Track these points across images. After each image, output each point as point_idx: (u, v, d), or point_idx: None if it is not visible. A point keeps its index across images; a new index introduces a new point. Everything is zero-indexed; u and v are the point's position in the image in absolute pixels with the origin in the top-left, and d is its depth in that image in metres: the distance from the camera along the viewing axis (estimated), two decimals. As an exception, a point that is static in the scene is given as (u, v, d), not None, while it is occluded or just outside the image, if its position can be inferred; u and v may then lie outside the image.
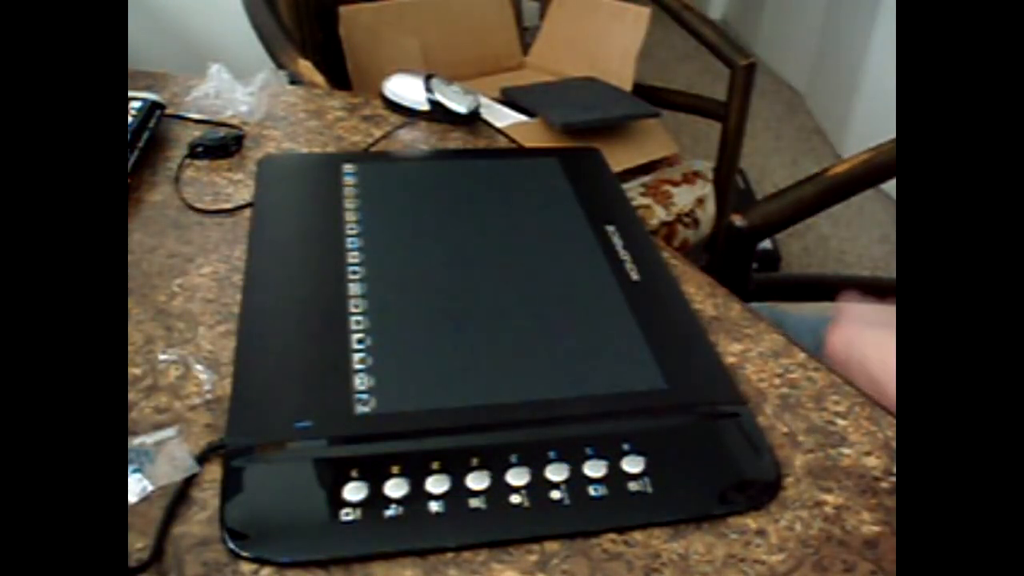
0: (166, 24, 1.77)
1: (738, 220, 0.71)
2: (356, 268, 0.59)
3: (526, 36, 1.68)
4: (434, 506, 0.42)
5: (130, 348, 0.52)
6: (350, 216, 0.64)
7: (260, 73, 0.83)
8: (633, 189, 1.30)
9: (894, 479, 0.46)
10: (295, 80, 1.06)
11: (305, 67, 1.07)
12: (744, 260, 0.86)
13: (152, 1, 1.73)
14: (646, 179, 1.33)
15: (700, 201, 1.30)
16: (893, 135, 0.76)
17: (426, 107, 0.81)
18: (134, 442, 0.45)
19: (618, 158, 1.17)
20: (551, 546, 0.42)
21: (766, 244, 1.82)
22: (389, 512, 0.42)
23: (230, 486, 0.43)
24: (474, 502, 0.43)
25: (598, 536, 0.42)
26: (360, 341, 0.52)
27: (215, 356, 0.52)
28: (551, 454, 0.45)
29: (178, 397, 0.49)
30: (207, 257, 0.61)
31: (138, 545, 0.41)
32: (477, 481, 0.44)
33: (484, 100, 0.86)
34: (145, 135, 0.72)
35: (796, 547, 0.43)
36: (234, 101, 0.80)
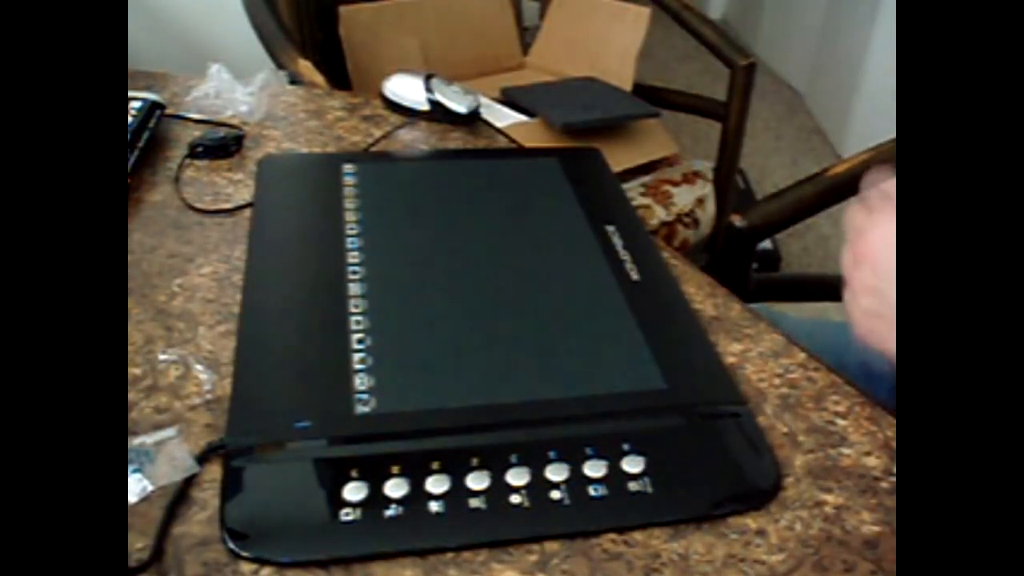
0: (166, 24, 1.77)
1: (738, 221, 0.72)
2: (356, 268, 0.59)
3: (526, 36, 1.68)
4: (434, 506, 0.42)
5: (130, 348, 0.52)
6: (350, 216, 0.64)
7: (260, 73, 0.83)
8: (633, 189, 1.30)
9: (894, 479, 0.46)
10: (295, 80, 1.06)
11: (305, 67, 1.07)
12: (744, 260, 0.86)
13: (152, 1, 1.73)
14: (646, 179, 1.33)
15: (700, 201, 1.30)
16: (893, 135, 0.76)
17: (426, 107, 0.81)
18: (134, 442, 0.45)
19: (618, 158, 1.17)
20: (551, 546, 0.42)
21: (766, 244, 1.82)
22: (389, 512, 0.42)
23: (230, 486, 0.43)
24: (474, 502, 0.43)
25: (598, 536, 0.42)
26: (360, 341, 0.52)
27: (215, 356, 0.52)
28: (551, 454, 0.45)
29: (178, 397, 0.49)
30: (207, 257, 0.61)
31: (138, 545, 0.41)
32: (477, 481, 0.44)
33: (484, 100, 0.86)
34: (145, 135, 0.72)
35: (796, 547, 0.43)
36: (234, 101, 0.80)
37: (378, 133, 0.79)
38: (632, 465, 0.45)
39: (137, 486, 0.43)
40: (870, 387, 0.53)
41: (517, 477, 0.44)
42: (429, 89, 0.81)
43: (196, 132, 0.76)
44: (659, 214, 1.25)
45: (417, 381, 0.50)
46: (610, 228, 0.65)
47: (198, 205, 0.67)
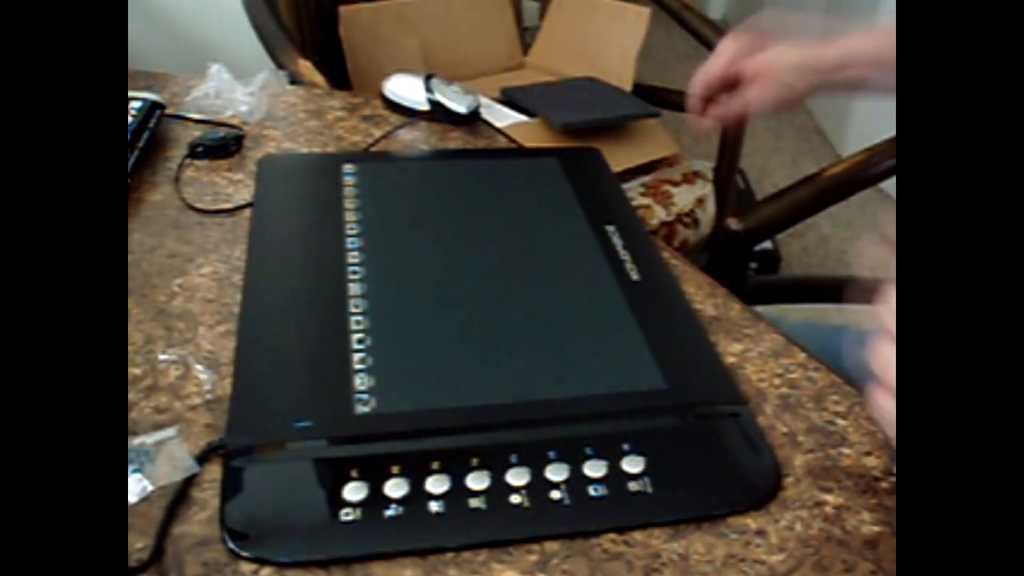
0: (166, 24, 1.77)
1: (734, 224, 0.72)
2: (356, 268, 0.59)
3: (526, 36, 1.68)
4: (434, 506, 0.42)
5: (130, 348, 0.52)
6: (350, 216, 0.64)
7: (260, 73, 0.83)
8: (633, 189, 1.30)
9: (894, 479, 0.46)
10: (295, 80, 1.06)
11: (305, 67, 1.07)
12: (741, 263, 0.86)
13: (152, 1, 1.73)
14: (646, 179, 1.33)
15: (700, 201, 1.30)
16: (893, 135, 0.76)
17: (426, 107, 0.81)
18: (134, 442, 0.45)
19: (618, 158, 1.17)
20: (551, 546, 0.42)
21: (766, 244, 1.82)
22: (389, 512, 0.42)
23: (230, 486, 0.43)
24: (474, 502, 0.43)
25: (598, 536, 0.42)
26: (360, 341, 0.52)
27: (215, 356, 0.52)
28: (551, 454, 0.45)
29: (178, 397, 0.49)
30: (207, 257, 0.61)
31: (138, 545, 0.41)
32: (477, 481, 0.44)
33: (484, 100, 0.86)
34: (145, 135, 0.72)
35: (796, 547, 0.43)
36: (234, 101, 0.80)
37: (378, 133, 0.79)
38: (632, 465, 0.45)
39: (137, 486, 0.43)
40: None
41: (517, 477, 0.44)
42: (429, 89, 0.81)
43: (196, 132, 0.76)
44: (659, 214, 1.25)
45: (417, 381, 0.50)
46: (610, 228, 0.65)
47: (198, 205, 0.67)
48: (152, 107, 0.74)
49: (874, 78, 0.72)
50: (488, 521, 0.42)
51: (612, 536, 0.42)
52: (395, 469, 0.44)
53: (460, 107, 0.81)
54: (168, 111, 0.77)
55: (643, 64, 1.48)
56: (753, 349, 0.55)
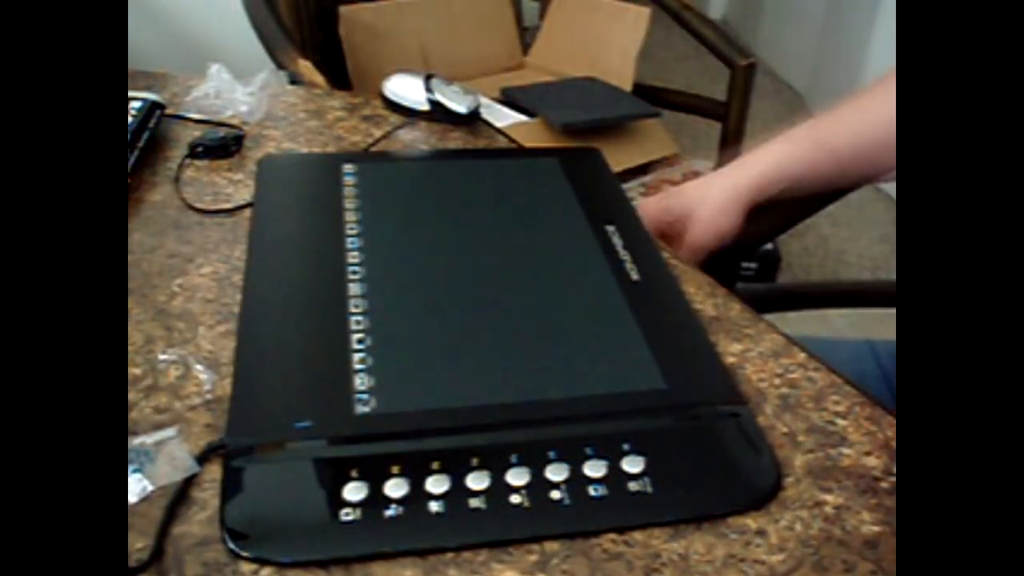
0: (166, 24, 1.77)
1: (740, 237, 0.72)
2: (356, 268, 0.59)
3: (526, 36, 1.68)
4: (434, 506, 0.42)
5: (130, 348, 0.52)
6: (350, 216, 0.64)
7: (260, 73, 0.83)
8: (633, 189, 1.30)
9: (894, 479, 0.46)
10: (295, 80, 1.06)
11: (305, 67, 1.07)
12: (731, 276, 0.86)
13: (152, 1, 1.73)
14: (646, 179, 1.33)
15: (700, 201, 1.30)
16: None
17: (426, 107, 0.81)
18: (134, 442, 0.45)
19: (618, 158, 1.17)
20: (551, 546, 0.42)
21: (766, 245, 1.82)
22: (389, 512, 0.42)
23: (230, 486, 0.43)
24: (474, 502, 0.43)
25: (598, 536, 0.42)
26: (360, 341, 0.52)
27: (215, 356, 0.52)
28: (551, 454, 0.45)
29: (178, 397, 0.49)
30: (207, 257, 0.61)
31: (138, 545, 0.41)
32: (477, 481, 0.44)
33: (484, 100, 0.86)
34: (145, 135, 0.72)
35: (796, 547, 0.43)
36: (234, 101, 0.80)
37: (378, 133, 0.79)
38: (632, 465, 0.45)
39: (137, 486, 0.43)
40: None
41: (517, 477, 0.44)
42: (429, 89, 0.81)
43: (196, 132, 0.76)
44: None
45: (417, 381, 0.50)
46: (610, 228, 0.65)
47: (198, 205, 0.67)
48: (152, 107, 0.74)
49: (807, 187, 0.73)
50: (488, 521, 0.42)
51: (612, 536, 0.42)
52: (395, 469, 0.44)
53: (460, 107, 0.81)
54: (168, 111, 0.77)
55: (643, 64, 1.49)
56: (753, 349, 0.55)
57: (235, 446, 0.45)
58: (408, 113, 0.82)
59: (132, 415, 0.48)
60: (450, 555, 0.41)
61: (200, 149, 0.73)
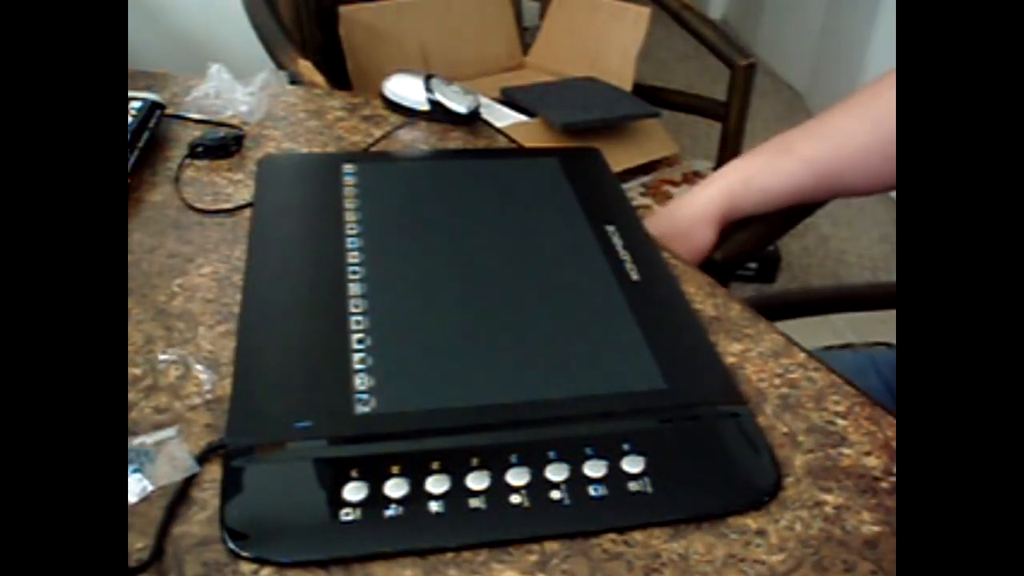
0: (166, 24, 1.77)
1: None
2: (356, 268, 0.59)
3: (526, 36, 1.68)
4: (434, 506, 0.43)
5: (130, 348, 0.52)
6: (350, 216, 0.64)
7: (260, 73, 0.83)
8: (633, 189, 1.30)
9: (894, 479, 0.46)
10: (295, 80, 1.06)
11: (305, 67, 1.07)
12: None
13: (152, 1, 1.73)
14: (646, 179, 1.33)
15: (700, 201, 1.30)
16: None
17: (426, 107, 0.81)
18: (134, 442, 0.45)
19: (618, 158, 1.17)
20: (551, 546, 0.42)
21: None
22: (389, 512, 0.42)
23: (230, 486, 0.43)
24: (474, 502, 0.43)
25: (598, 536, 0.42)
26: (360, 341, 0.52)
27: (215, 356, 0.52)
28: (551, 454, 0.45)
29: (178, 397, 0.49)
30: (207, 257, 0.61)
31: (138, 545, 0.41)
32: (477, 481, 0.44)
33: (484, 100, 0.86)
34: (145, 135, 0.72)
35: (796, 547, 0.43)
36: (234, 101, 0.80)
37: (378, 133, 0.79)
38: (632, 465, 0.45)
39: (137, 486, 0.43)
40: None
41: (517, 477, 0.44)
42: (429, 89, 0.81)
43: (196, 132, 0.76)
44: (657, 210, 1.25)
45: (417, 381, 0.50)
46: (610, 228, 0.65)
47: (198, 205, 0.67)
48: (152, 107, 0.74)
49: (781, 197, 0.73)
50: (488, 521, 0.42)
51: (612, 536, 0.42)
52: (395, 469, 0.44)
53: (460, 107, 0.81)
54: (168, 111, 0.77)
55: (643, 64, 1.49)
56: (753, 349, 0.55)
57: (235, 446, 0.45)
58: (408, 113, 0.82)
59: (132, 415, 0.48)
60: (450, 555, 0.41)
61: (200, 149, 0.73)
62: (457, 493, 0.43)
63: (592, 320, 0.56)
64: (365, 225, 0.63)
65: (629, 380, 0.51)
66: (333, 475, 0.44)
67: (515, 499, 0.43)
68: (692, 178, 1.36)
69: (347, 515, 0.42)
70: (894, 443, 0.49)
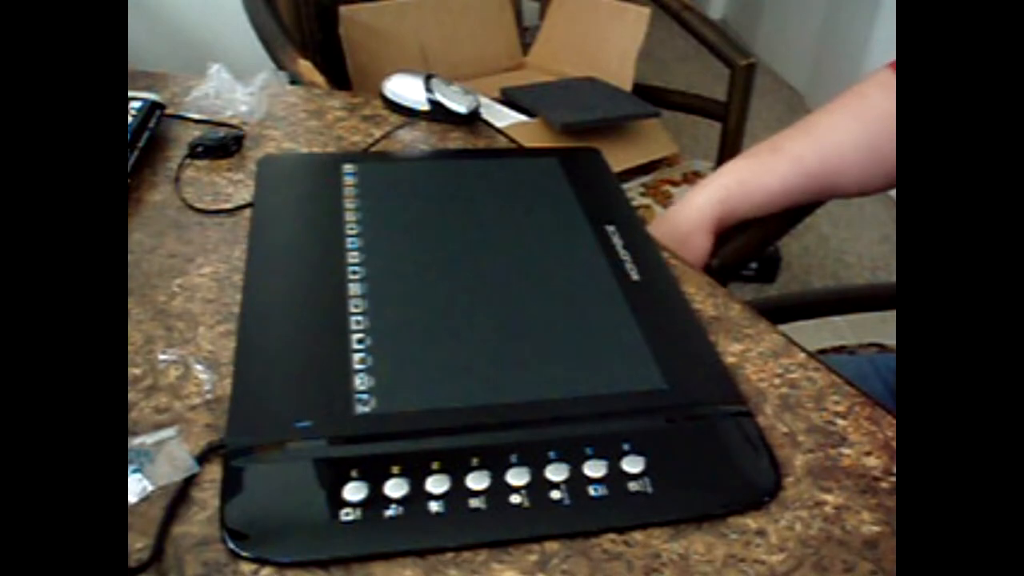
0: (166, 24, 1.77)
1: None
2: (356, 268, 0.59)
3: (526, 36, 1.68)
4: (434, 506, 0.43)
5: (130, 348, 0.52)
6: (350, 216, 0.64)
7: (260, 73, 0.83)
8: (633, 189, 1.30)
9: (894, 479, 0.46)
10: (295, 80, 1.06)
11: (305, 67, 1.07)
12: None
13: (152, 1, 1.73)
14: (646, 179, 1.34)
15: (700, 201, 1.30)
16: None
17: (426, 107, 0.81)
18: (134, 442, 0.45)
19: (618, 158, 1.17)
20: (551, 546, 0.42)
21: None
22: (389, 512, 0.42)
23: (230, 486, 0.43)
24: (474, 502, 0.43)
25: (598, 536, 0.42)
26: (360, 341, 0.52)
27: (215, 356, 0.52)
28: (551, 454, 0.45)
29: (178, 397, 0.49)
30: (207, 257, 0.61)
31: (138, 545, 0.41)
32: (477, 481, 0.44)
33: (484, 100, 0.86)
34: (145, 135, 0.72)
35: (796, 547, 0.43)
36: (234, 101, 0.80)
37: (378, 133, 0.79)
38: (632, 465, 0.45)
39: (137, 486, 0.43)
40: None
41: (517, 477, 0.44)
42: (429, 89, 0.81)
43: (196, 132, 0.76)
44: (659, 214, 1.25)
45: (417, 381, 0.50)
46: (610, 228, 0.65)
47: (198, 205, 0.67)
48: (152, 107, 0.74)
49: (776, 199, 0.74)
50: (488, 521, 0.42)
51: (612, 536, 0.42)
52: (395, 469, 0.44)
53: (460, 107, 0.81)
54: (168, 111, 0.77)
55: (643, 64, 1.49)
56: (753, 349, 0.55)
57: (235, 446, 0.45)
58: (408, 113, 0.82)
59: (132, 415, 0.48)
60: (450, 555, 0.41)
61: (200, 149, 0.73)
62: (457, 493, 0.43)
63: (592, 320, 0.56)
64: (365, 225, 0.63)
65: (629, 380, 0.51)
66: (333, 475, 0.44)
67: (515, 499, 0.43)
68: (692, 178, 1.36)
69: (347, 515, 0.42)
70: (894, 443, 0.49)
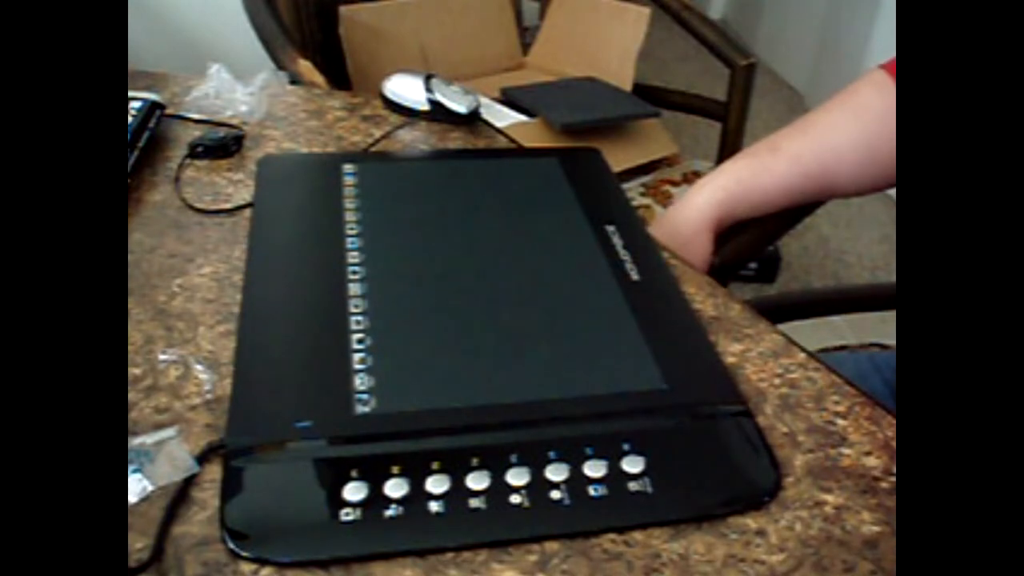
0: (166, 24, 1.77)
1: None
2: (356, 268, 0.59)
3: (526, 36, 1.68)
4: (434, 506, 0.43)
5: (130, 348, 0.52)
6: (350, 216, 0.64)
7: (260, 73, 0.83)
8: (633, 189, 1.30)
9: (894, 479, 0.46)
10: (295, 80, 1.06)
11: (305, 67, 1.07)
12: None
13: (152, 1, 1.73)
14: (646, 179, 1.34)
15: (700, 201, 1.30)
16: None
17: (426, 107, 0.81)
18: (134, 442, 0.45)
19: (618, 158, 1.17)
20: (551, 546, 0.42)
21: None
22: (389, 512, 0.42)
23: (230, 486, 0.43)
24: (474, 502, 0.43)
25: (598, 536, 0.42)
26: (360, 341, 0.52)
27: (215, 356, 0.52)
28: (551, 454, 0.45)
29: (178, 397, 0.49)
30: (207, 257, 0.61)
31: (138, 545, 0.41)
32: (477, 481, 0.44)
33: (484, 100, 0.86)
34: (145, 135, 0.72)
35: (796, 547, 0.43)
36: (234, 101, 0.80)
37: (378, 133, 0.79)
38: (632, 465, 0.45)
39: (137, 486, 0.43)
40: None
41: (517, 477, 0.44)
42: (429, 89, 0.81)
43: (196, 132, 0.76)
44: (659, 214, 1.25)
45: (417, 381, 0.50)
46: (610, 228, 0.65)
47: (198, 205, 0.67)
48: (152, 107, 0.74)
49: (774, 198, 0.74)
50: (488, 521, 0.42)
51: (612, 536, 0.42)
52: (395, 469, 0.44)
53: (460, 107, 0.81)
54: (168, 111, 0.77)
55: (643, 64, 1.49)
56: (753, 349, 0.55)
57: (235, 446, 0.45)
58: (408, 113, 0.82)
59: (132, 415, 0.48)
60: (450, 555, 0.41)
61: (200, 149, 0.73)
62: (457, 493, 0.43)
63: (592, 320, 0.56)
64: (365, 225, 0.63)
65: (629, 380, 0.51)
66: (333, 475, 0.44)
67: (515, 499, 0.43)
68: (692, 178, 1.36)
69: (347, 515, 0.42)
70: (894, 443, 0.49)
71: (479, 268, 0.61)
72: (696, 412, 0.50)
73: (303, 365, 0.51)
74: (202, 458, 0.45)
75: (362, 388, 0.49)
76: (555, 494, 0.44)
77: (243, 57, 0.98)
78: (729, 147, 1.42)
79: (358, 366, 0.50)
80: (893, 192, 2.09)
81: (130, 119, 0.72)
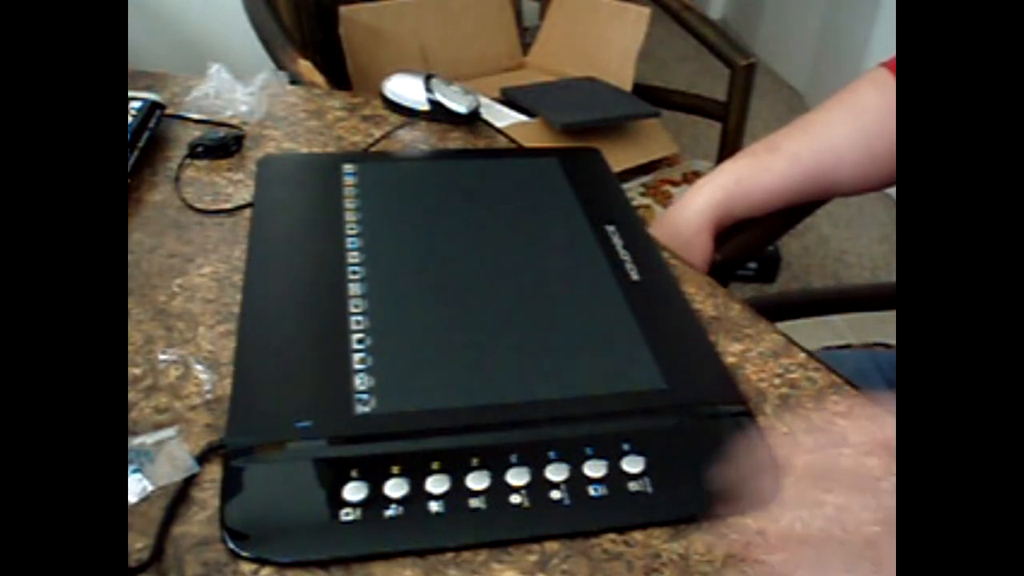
0: (166, 24, 1.77)
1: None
2: (356, 268, 0.59)
3: (526, 36, 1.68)
4: (434, 506, 0.43)
5: (130, 348, 0.52)
6: (350, 216, 0.64)
7: (260, 73, 0.83)
8: (633, 189, 1.30)
9: (894, 479, 0.46)
10: (295, 80, 1.06)
11: (305, 67, 1.07)
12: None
13: (152, 1, 1.73)
14: (646, 179, 1.34)
15: (700, 201, 1.30)
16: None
17: (426, 107, 0.81)
18: (134, 442, 0.45)
19: (618, 158, 1.17)
20: (551, 546, 0.42)
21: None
22: (389, 512, 0.42)
23: (230, 486, 0.43)
24: (474, 502, 0.43)
25: (598, 536, 0.42)
26: (360, 341, 0.52)
27: (215, 356, 0.52)
28: (551, 454, 0.45)
29: (178, 397, 0.49)
30: (207, 257, 0.61)
31: (138, 545, 0.41)
32: (477, 481, 0.44)
33: (484, 100, 0.86)
34: (145, 135, 0.72)
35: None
36: (234, 101, 0.80)
37: (378, 133, 0.79)
38: (632, 465, 0.45)
39: (137, 486, 0.43)
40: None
41: (517, 477, 0.44)
42: (429, 89, 0.81)
43: (196, 132, 0.76)
44: (659, 214, 1.25)
45: (417, 381, 0.50)
46: (610, 228, 0.65)
47: (198, 205, 0.67)
48: (152, 107, 0.74)
49: (775, 197, 0.74)
50: (488, 521, 0.42)
51: (612, 536, 0.42)
52: (395, 469, 0.44)
53: (460, 107, 0.81)
54: (168, 111, 0.77)
55: (643, 64, 1.49)
56: (753, 349, 0.55)
57: (235, 446, 0.45)
58: (408, 113, 0.82)
59: (132, 415, 0.48)
60: (450, 555, 0.41)
61: (200, 149, 0.73)
62: (457, 493, 0.43)
63: (592, 320, 0.56)
64: (365, 225, 0.63)
65: (629, 380, 0.51)
66: (333, 475, 0.44)
67: (515, 499, 0.43)
68: (692, 178, 1.36)
69: (347, 515, 0.42)
70: (894, 443, 0.48)
71: (479, 268, 0.61)
72: (696, 412, 0.50)
73: (303, 365, 0.51)
74: (202, 458, 0.45)
75: (362, 388, 0.49)
76: (555, 494, 0.44)
77: (243, 57, 0.98)
78: (729, 147, 1.42)
79: (358, 366, 0.50)
80: (893, 192, 2.09)
81: (130, 119, 0.72)
